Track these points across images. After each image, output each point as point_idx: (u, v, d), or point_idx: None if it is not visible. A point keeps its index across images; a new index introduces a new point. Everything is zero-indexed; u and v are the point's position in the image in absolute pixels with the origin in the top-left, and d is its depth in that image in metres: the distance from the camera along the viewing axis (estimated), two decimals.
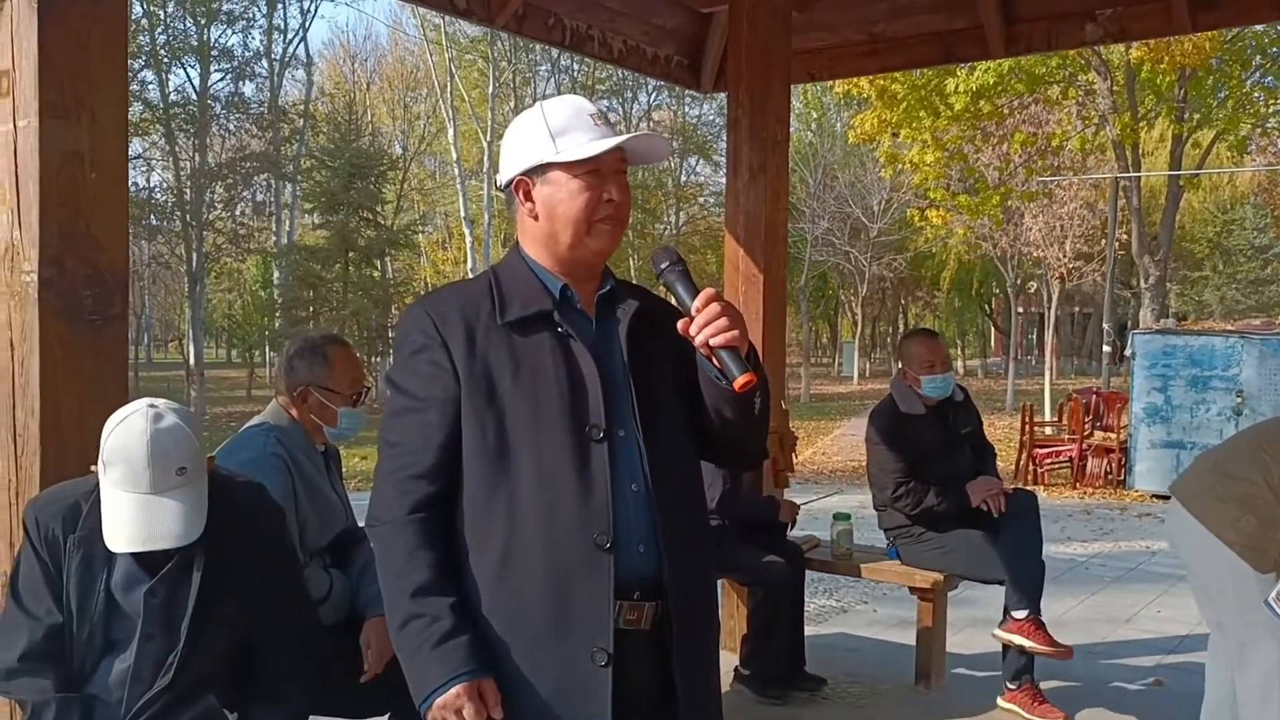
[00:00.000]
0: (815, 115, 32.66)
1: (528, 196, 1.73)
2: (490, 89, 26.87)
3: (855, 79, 13.65)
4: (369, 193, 24.44)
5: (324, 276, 24.27)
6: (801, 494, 9.51)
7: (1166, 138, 20.96)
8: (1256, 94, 17.64)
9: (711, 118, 33.23)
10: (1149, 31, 4.71)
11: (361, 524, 2.04)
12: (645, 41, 4.98)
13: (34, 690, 1.99)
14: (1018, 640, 3.83)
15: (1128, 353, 11.65)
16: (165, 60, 24.78)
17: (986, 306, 40.49)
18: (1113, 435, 11.63)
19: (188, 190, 25.10)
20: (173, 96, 25.69)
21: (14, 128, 2.22)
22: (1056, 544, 7.45)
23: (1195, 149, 21.21)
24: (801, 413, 22.14)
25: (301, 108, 29.67)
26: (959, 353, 38.51)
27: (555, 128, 1.69)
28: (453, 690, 1.58)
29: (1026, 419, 12.18)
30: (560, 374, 1.67)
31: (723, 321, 1.61)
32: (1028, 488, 10.40)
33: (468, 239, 26.14)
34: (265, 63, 27.64)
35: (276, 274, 28.70)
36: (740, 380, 1.60)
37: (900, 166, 17.45)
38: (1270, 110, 18.11)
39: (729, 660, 4.17)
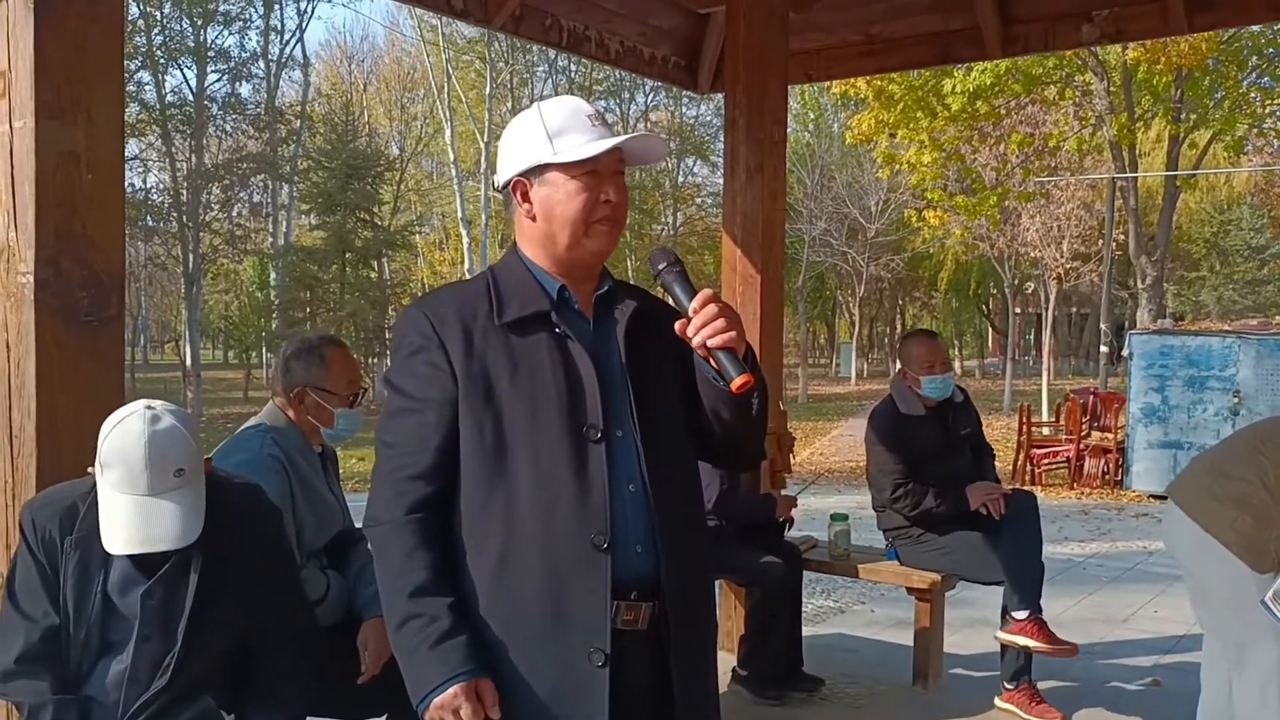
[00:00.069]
0: (812, 116, 32.70)
1: (525, 197, 1.73)
2: (487, 90, 26.89)
3: (852, 80, 13.67)
4: (366, 194, 24.42)
5: (321, 277, 24.23)
6: (799, 496, 9.50)
7: (1163, 138, 21.01)
8: (1253, 94, 17.70)
9: (709, 118, 33.30)
10: (1145, 32, 4.72)
11: (359, 525, 2.04)
12: (642, 42, 4.98)
13: (31, 692, 1.99)
14: (1021, 641, 3.82)
15: (1125, 353, 11.66)
16: (162, 61, 24.75)
17: (984, 307, 40.52)
18: (1110, 435, 11.64)
19: (184, 191, 25.06)
20: (169, 97, 25.68)
21: (10, 128, 2.21)
22: (1054, 544, 7.45)
23: (1192, 149, 21.25)
24: (799, 413, 22.16)
25: (298, 109, 29.65)
26: (956, 353, 38.52)
27: (553, 129, 1.69)
28: (450, 690, 1.58)
29: (1024, 419, 12.20)
30: (558, 374, 1.67)
31: (720, 323, 1.60)
32: (1025, 488, 10.43)
33: (465, 240, 26.15)
34: (262, 64, 27.63)
35: (273, 275, 28.67)
36: (737, 381, 1.59)
37: (897, 167, 17.49)
38: (1267, 111, 18.16)
39: (726, 661, 4.17)
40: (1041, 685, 4.01)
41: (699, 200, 35.09)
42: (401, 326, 1.75)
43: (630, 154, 1.74)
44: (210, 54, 25.70)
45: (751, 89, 4.50)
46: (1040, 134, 16.90)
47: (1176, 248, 28.37)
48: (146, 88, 24.63)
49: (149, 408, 1.97)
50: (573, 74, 29.64)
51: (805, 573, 4.33)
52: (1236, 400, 10.16)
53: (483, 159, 26.34)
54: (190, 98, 25.97)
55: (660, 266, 1.71)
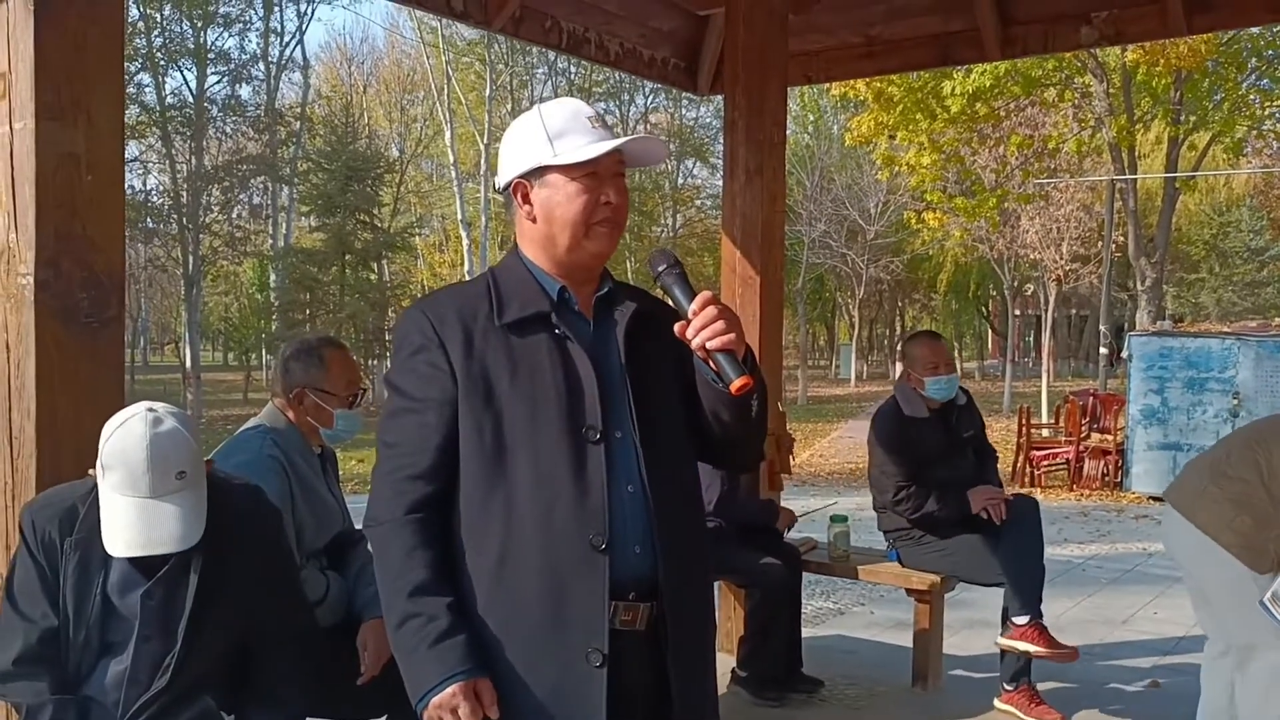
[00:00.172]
0: (812, 118, 32.71)
1: (526, 199, 1.73)
2: (487, 91, 26.90)
3: (852, 81, 13.68)
4: (366, 195, 24.43)
5: (321, 279, 24.24)
6: (799, 497, 9.51)
7: (1163, 140, 21.01)
8: (1252, 96, 17.70)
9: (708, 120, 33.33)
10: (1145, 34, 4.73)
11: (358, 526, 2.04)
12: (642, 44, 4.99)
13: (29, 693, 1.99)
14: (1022, 646, 3.82)
15: (1124, 355, 11.66)
16: (162, 63, 24.77)
17: (983, 309, 40.54)
18: (1109, 437, 11.64)
19: (184, 193, 25.08)
20: (169, 99, 25.71)
21: (10, 130, 2.21)
22: (1053, 546, 7.43)
23: (1191, 151, 21.27)
24: (799, 415, 22.16)
25: (298, 110, 29.67)
26: (956, 355, 38.53)
27: (553, 130, 1.69)
28: (448, 690, 1.59)
29: (1023, 421, 12.20)
30: (557, 375, 1.68)
31: (719, 324, 1.61)
32: (1026, 491, 10.44)
33: (465, 242, 26.17)
34: (262, 66, 27.65)
35: (273, 277, 28.69)
36: (737, 383, 1.60)
37: (897, 169, 17.50)
38: (1266, 113, 18.16)
39: (726, 662, 4.16)
40: (1041, 686, 4.01)
41: (698, 202, 35.11)
42: (402, 327, 1.76)
43: (630, 156, 1.74)
44: (210, 56, 25.72)
45: (751, 91, 4.50)
46: (1039, 136, 16.91)
47: (1176, 250, 28.38)
48: (147, 90, 24.68)
49: (151, 410, 1.97)
50: (572, 76, 29.66)
51: (805, 574, 4.33)
52: (1236, 402, 10.17)
53: (483, 161, 26.35)
54: (190, 100, 26.01)
55: (660, 268, 1.71)
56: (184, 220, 24.70)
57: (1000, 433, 16.11)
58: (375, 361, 24.35)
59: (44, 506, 2.04)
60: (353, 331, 23.47)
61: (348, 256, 24.13)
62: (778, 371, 4.78)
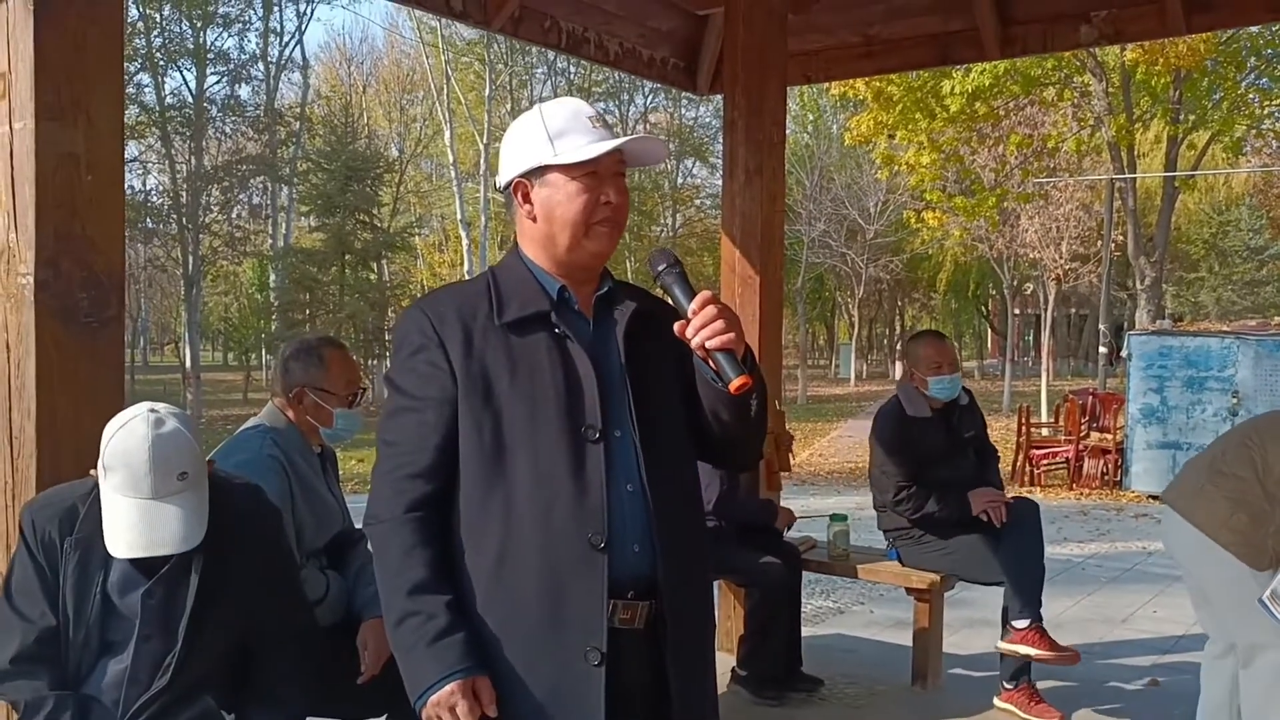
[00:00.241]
0: (811, 117, 32.72)
1: (526, 198, 1.73)
2: (487, 91, 26.90)
3: (851, 81, 13.70)
4: (365, 195, 24.44)
5: (320, 279, 24.25)
6: (799, 496, 9.52)
7: (1162, 139, 21.01)
8: (1251, 95, 17.71)
9: (708, 120, 33.33)
10: (1144, 33, 4.73)
11: (358, 526, 2.04)
12: (641, 44, 4.99)
13: (27, 690, 1.99)
14: (1023, 650, 3.81)
15: (1124, 354, 11.67)
16: (161, 63, 24.78)
17: (983, 308, 40.54)
18: (1109, 436, 11.65)
19: (184, 193, 25.08)
20: (169, 99, 25.72)
21: (10, 129, 2.22)
22: (1053, 545, 7.43)
23: (1190, 150, 21.26)
24: (798, 414, 22.17)
25: (298, 110, 29.67)
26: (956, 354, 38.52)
27: (554, 130, 1.70)
28: (447, 688, 1.59)
29: (1023, 420, 12.21)
30: (557, 375, 1.68)
31: (719, 324, 1.61)
32: (1025, 491, 10.45)
33: (464, 241, 26.17)
34: (261, 66, 27.65)
35: (273, 277, 28.70)
36: (736, 383, 1.60)
37: (896, 168, 17.51)
38: (1265, 112, 18.17)
39: (726, 661, 4.17)
40: (1040, 685, 4.02)
41: (698, 202, 35.12)
42: (402, 326, 1.76)
43: (630, 156, 1.74)
44: (210, 56, 25.73)
45: (750, 90, 4.50)
46: (1039, 135, 16.92)
47: (1175, 249, 28.37)
48: (146, 90, 24.68)
49: (153, 411, 1.97)
50: (572, 76, 29.67)
51: (804, 573, 4.33)
52: (1235, 401, 10.17)
53: (482, 161, 26.36)
54: (190, 100, 26.02)
55: (660, 268, 1.71)
56: (184, 220, 24.71)
57: (1000, 432, 16.11)
58: (375, 361, 24.36)
59: (44, 506, 2.04)
60: (352, 331, 23.48)
61: (347, 256, 24.14)
62: (777, 371, 4.78)
